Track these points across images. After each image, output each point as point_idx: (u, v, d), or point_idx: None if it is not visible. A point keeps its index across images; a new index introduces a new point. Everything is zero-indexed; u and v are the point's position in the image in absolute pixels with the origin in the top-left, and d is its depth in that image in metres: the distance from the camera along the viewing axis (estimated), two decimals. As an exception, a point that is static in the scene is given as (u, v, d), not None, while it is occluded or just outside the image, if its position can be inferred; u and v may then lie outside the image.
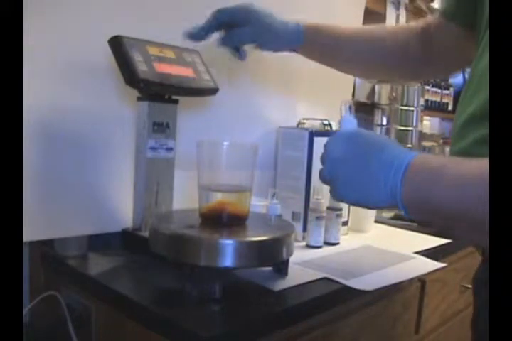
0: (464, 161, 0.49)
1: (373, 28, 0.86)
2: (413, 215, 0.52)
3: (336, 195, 0.57)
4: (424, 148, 1.69)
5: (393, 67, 0.86)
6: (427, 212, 0.50)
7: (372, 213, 1.09)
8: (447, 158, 0.54)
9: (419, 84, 1.66)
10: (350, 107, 0.66)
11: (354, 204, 0.57)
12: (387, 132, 1.62)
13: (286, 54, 1.07)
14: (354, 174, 0.54)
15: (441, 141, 1.81)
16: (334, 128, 1.08)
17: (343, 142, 0.56)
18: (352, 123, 0.62)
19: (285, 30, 0.80)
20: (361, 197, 0.54)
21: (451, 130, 2.44)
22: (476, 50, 0.62)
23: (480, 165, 0.45)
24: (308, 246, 0.91)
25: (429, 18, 0.84)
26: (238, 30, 0.76)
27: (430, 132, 2.10)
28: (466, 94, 0.62)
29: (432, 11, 1.76)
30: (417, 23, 0.85)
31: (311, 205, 0.92)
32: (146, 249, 0.68)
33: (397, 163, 0.50)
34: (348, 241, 0.96)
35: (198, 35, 0.75)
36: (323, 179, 0.58)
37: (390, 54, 0.83)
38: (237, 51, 0.79)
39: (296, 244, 0.85)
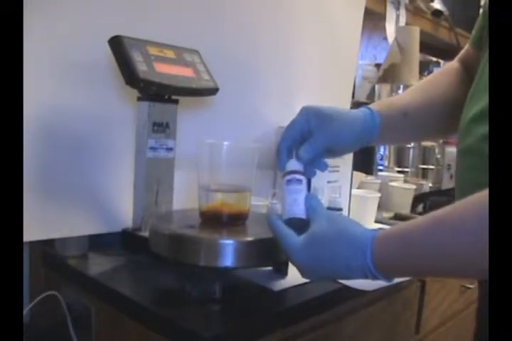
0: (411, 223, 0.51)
1: (427, 87, 0.77)
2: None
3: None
4: (424, 148, 1.69)
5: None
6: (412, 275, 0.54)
7: (372, 213, 1.09)
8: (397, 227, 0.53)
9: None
10: (293, 150, 0.64)
11: None
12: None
13: (285, 53, 1.08)
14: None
15: (441, 141, 1.80)
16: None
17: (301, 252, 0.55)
18: (299, 165, 0.63)
19: (359, 122, 0.67)
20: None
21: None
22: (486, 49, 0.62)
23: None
24: (308, 246, 0.91)
25: (464, 49, 0.79)
26: (314, 138, 0.64)
27: (430, 132, 2.09)
28: (475, 92, 0.62)
29: (432, 10, 1.76)
30: (454, 60, 0.80)
31: (311, 205, 0.92)
32: (146, 248, 0.68)
33: (360, 255, 0.51)
34: (348, 241, 0.96)
35: (283, 166, 0.66)
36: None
37: (454, 107, 0.73)
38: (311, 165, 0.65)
39: (296, 244, 0.85)
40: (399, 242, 0.49)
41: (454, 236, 0.45)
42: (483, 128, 0.56)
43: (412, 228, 0.49)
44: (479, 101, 0.59)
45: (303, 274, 0.56)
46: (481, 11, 0.73)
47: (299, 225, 0.57)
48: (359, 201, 1.06)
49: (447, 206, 0.47)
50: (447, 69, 0.80)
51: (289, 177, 0.63)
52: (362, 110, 0.68)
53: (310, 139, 0.64)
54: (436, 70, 2.20)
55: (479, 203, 0.44)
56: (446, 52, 2.23)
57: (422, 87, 0.77)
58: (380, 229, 0.53)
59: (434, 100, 0.74)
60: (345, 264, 0.52)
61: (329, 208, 0.93)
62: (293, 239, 0.56)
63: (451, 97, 0.75)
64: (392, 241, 0.50)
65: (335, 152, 0.68)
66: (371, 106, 0.70)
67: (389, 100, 0.78)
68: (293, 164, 0.63)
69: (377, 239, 0.50)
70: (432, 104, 0.74)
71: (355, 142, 0.67)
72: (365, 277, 0.52)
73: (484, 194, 0.44)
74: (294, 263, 0.56)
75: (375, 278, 0.52)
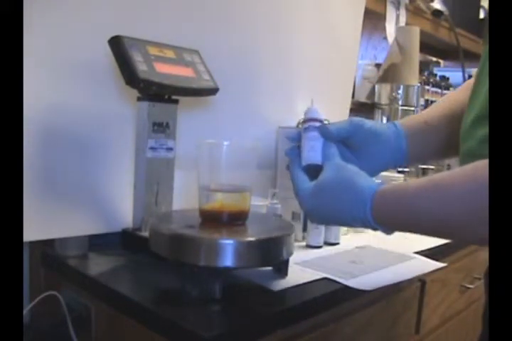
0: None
1: (449, 100, 0.77)
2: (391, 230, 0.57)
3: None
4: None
5: None
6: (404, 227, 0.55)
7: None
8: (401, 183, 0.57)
9: (418, 84, 1.66)
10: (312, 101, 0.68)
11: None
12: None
13: (285, 53, 1.08)
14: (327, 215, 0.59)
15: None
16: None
17: (311, 197, 0.59)
18: (318, 113, 0.66)
19: (385, 132, 0.69)
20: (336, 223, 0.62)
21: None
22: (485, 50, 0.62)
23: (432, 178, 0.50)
24: (308, 246, 0.91)
25: None
26: (344, 122, 0.66)
27: (430, 132, 2.09)
28: (475, 94, 0.62)
29: (432, 10, 1.76)
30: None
31: (311, 205, 0.92)
32: (146, 248, 0.68)
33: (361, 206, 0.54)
34: (348, 241, 0.96)
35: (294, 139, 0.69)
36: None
37: None
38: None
39: (296, 244, 0.85)
40: (394, 199, 0.53)
41: (446, 201, 0.47)
42: (484, 131, 0.56)
43: (407, 187, 0.52)
44: (479, 104, 0.59)
45: (309, 217, 0.62)
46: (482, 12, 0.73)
47: (316, 171, 0.60)
48: (359, 201, 1.06)
49: (447, 171, 0.50)
50: (468, 83, 0.80)
51: (307, 124, 0.65)
52: (387, 125, 0.71)
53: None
54: (436, 70, 2.20)
55: (476, 171, 0.46)
56: (446, 52, 2.23)
57: (442, 99, 0.80)
58: (382, 183, 0.56)
59: (453, 110, 0.74)
60: (348, 213, 0.55)
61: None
62: (305, 184, 0.60)
63: None
64: (389, 197, 0.53)
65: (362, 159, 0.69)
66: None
67: (413, 116, 0.80)
68: (312, 111, 0.66)
69: (378, 193, 0.54)
70: (452, 114, 0.74)
71: (380, 145, 0.68)
72: (366, 227, 0.56)
73: (483, 163, 0.45)
74: (302, 207, 0.61)
75: (374, 229, 0.55)
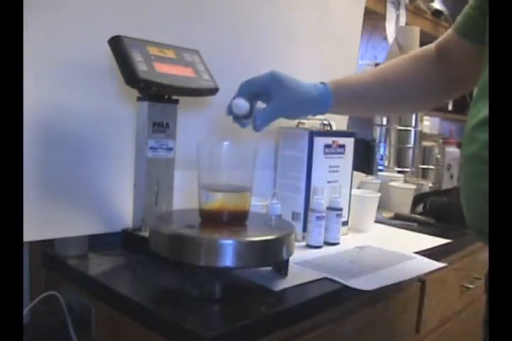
0: None
1: (386, 70, 0.83)
2: None
3: None
4: (424, 148, 1.69)
5: (417, 100, 0.85)
6: None
7: (372, 213, 1.09)
8: None
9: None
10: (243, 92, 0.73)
11: None
12: (387, 132, 1.62)
13: (285, 53, 1.07)
14: None
15: (441, 140, 1.81)
16: (334, 128, 1.08)
17: None
18: (243, 108, 0.72)
19: (313, 99, 0.77)
20: None
21: (451, 130, 2.43)
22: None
23: None
24: (308, 246, 0.91)
25: (445, 35, 0.83)
26: (271, 108, 0.74)
27: (430, 132, 2.10)
28: (479, 99, 0.62)
29: (432, 10, 1.76)
30: (432, 45, 0.84)
31: (311, 205, 0.92)
32: (146, 249, 0.68)
33: None
34: (348, 241, 0.96)
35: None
36: None
37: (410, 92, 0.82)
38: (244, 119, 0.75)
39: (296, 244, 0.85)
40: None
41: None
42: (486, 136, 0.56)
43: None
44: (484, 108, 0.59)
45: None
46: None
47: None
48: (359, 201, 1.06)
49: None
50: (417, 54, 0.86)
51: (238, 123, 0.74)
52: (318, 88, 0.77)
53: (265, 109, 0.73)
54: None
55: None
56: (446, 52, 2.22)
57: (382, 68, 0.85)
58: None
59: (388, 83, 0.81)
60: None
61: (329, 208, 0.94)
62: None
63: (408, 82, 0.82)
64: None
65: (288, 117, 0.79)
66: (328, 83, 0.78)
67: (345, 81, 0.82)
68: (239, 106, 0.72)
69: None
70: (385, 86, 0.81)
71: (306, 114, 0.81)
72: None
73: None
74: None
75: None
